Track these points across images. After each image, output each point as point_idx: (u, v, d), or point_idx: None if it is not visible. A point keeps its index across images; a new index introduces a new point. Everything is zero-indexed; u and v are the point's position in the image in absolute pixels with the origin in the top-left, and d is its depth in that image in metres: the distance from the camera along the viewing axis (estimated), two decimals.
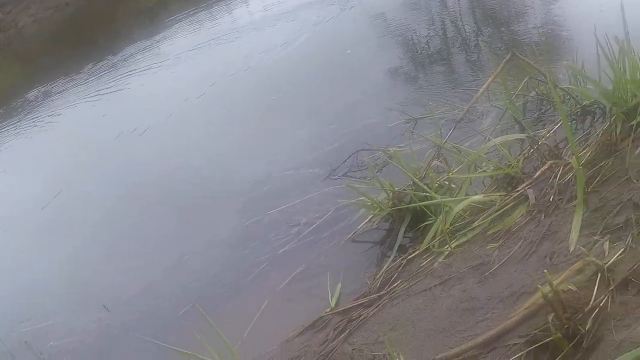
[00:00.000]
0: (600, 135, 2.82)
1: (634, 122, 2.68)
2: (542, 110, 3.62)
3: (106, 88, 8.20)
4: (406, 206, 3.08)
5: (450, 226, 2.86)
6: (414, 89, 5.01)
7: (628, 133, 2.68)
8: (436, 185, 3.11)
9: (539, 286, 1.91)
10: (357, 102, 4.99)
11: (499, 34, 5.57)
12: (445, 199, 2.90)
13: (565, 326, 1.92)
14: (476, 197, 2.86)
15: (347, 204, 3.47)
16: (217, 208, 4.20)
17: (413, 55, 5.77)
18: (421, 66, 5.49)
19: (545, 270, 1.91)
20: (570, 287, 2.02)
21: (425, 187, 2.99)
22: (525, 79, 3.56)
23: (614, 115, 2.78)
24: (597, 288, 2.03)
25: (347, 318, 2.64)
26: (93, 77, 8.99)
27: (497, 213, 2.78)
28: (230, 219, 3.94)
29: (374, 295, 2.73)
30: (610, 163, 2.62)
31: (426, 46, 5.75)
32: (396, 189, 3.17)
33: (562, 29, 4.98)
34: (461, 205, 2.81)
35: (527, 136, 3.07)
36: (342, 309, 2.75)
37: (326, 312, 2.78)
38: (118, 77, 8.45)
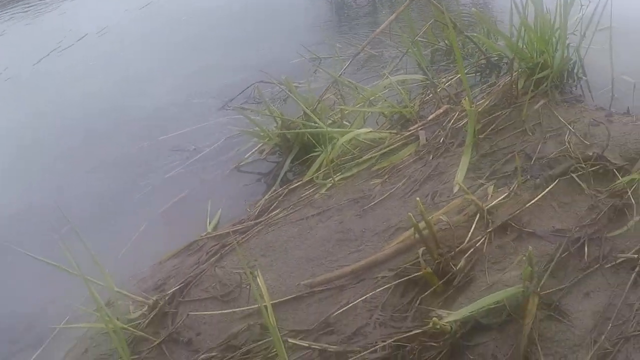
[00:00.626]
0: (501, 86, 2.75)
1: (534, 77, 2.65)
2: (451, 60, 3.52)
3: None
4: (294, 132, 2.86)
5: (337, 159, 2.70)
6: (325, 30, 4.82)
7: (529, 88, 2.63)
8: (330, 121, 2.94)
9: (411, 216, 1.76)
10: (264, 39, 4.80)
11: None
12: (331, 130, 2.72)
13: (437, 262, 1.81)
14: (362, 130, 2.70)
15: (238, 133, 3.33)
16: (108, 133, 3.95)
17: None
18: (337, 7, 5.30)
19: (420, 203, 1.77)
20: (443, 218, 1.91)
21: (313, 116, 2.79)
22: (430, 22, 3.43)
23: (517, 70, 2.71)
24: (475, 229, 1.95)
25: (221, 243, 2.51)
26: None
27: (386, 150, 2.64)
28: (121, 144, 3.74)
29: (251, 222, 2.59)
30: (507, 114, 2.56)
31: None
32: (287, 118, 2.96)
33: None
34: (346, 137, 2.65)
35: (425, 79, 2.93)
36: (217, 233, 2.62)
37: (201, 237, 2.65)
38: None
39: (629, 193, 1.91)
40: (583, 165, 2.11)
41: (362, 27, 4.77)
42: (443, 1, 4.41)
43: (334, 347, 1.73)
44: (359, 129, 2.79)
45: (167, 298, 2.17)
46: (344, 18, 5.15)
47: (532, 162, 2.23)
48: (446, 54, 3.65)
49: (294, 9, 5.48)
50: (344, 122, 2.96)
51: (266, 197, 2.79)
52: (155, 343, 2.01)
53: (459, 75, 2.97)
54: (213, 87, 4.15)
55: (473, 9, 3.13)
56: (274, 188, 2.87)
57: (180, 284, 2.24)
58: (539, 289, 1.60)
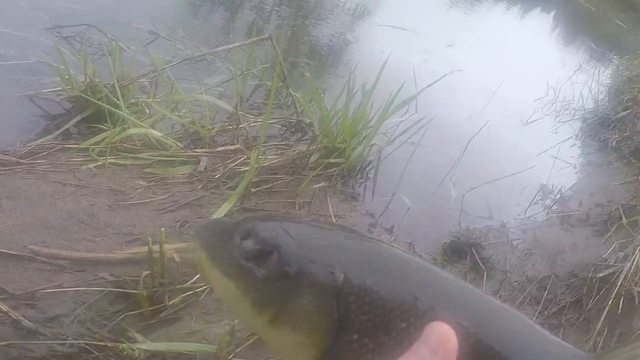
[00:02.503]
0: (295, 152, 2.97)
1: (328, 160, 2.92)
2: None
3: None
4: (93, 100, 2.74)
5: (118, 144, 2.66)
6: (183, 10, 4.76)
7: (319, 167, 2.89)
8: (133, 101, 2.88)
9: (149, 239, 1.85)
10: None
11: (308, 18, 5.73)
12: (126, 116, 2.68)
13: (155, 289, 1.90)
14: (155, 132, 2.71)
15: (49, 62, 3.03)
16: None
17: None
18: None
19: (162, 229, 1.87)
20: (176, 258, 2.01)
21: (119, 92, 2.72)
22: (266, 65, 3.61)
23: (316, 145, 2.96)
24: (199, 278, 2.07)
25: None
26: None
27: (165, 158, 2.68)
28: None
29: (13, 159, 2.43)
30: (287, 181, 2.80)
31: None
32: (96, 80, 2.83)
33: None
34: (137, 130, 2.64)
35: (233, 110, 3.04)
36: None
37: None
38: None
39: None
40: None
41: (215, 29, 4.77)
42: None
43: (29, 322, 1.72)
44: (154, 126, 2.80)
45: None
46: (204, 11, 5.12)
47: None
48: (268, 96, 3.81)
49: None
50: (145, 110, 2.93)
51: (39, 141, 2.63)
52: None
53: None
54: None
55: (307, 73, 3.33)
56: (51, 136, 2.71)
57: None
58: (230, 356, 1.78)
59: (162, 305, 1.90)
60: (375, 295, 0.63)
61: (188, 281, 2.00)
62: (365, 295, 0.63)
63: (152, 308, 1.88)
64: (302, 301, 0.64)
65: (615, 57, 9.04)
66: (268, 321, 0.64)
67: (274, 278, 0.65)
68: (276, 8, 5.69)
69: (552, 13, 14.51)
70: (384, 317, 0.62)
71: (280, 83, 3.18)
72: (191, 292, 1.98)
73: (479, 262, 2.94)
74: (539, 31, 11.49)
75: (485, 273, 2.88)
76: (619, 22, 18.33)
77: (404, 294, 0.64)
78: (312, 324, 0.63)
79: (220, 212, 2.38)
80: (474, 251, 2.99)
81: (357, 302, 0.63)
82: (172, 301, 1.91)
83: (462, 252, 3.00)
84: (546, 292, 2.80)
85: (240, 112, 3.04)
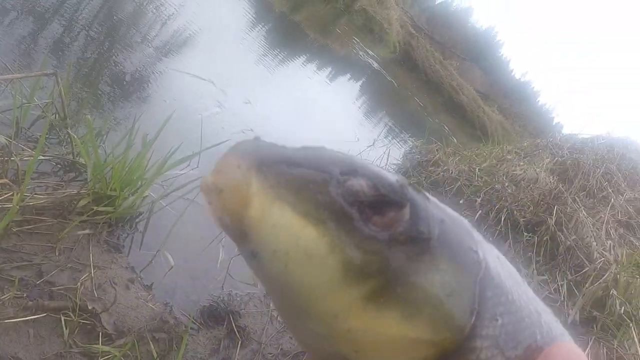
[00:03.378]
0: (64, 195, 2.93)
1: (97, 207, 2.94)
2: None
3: None
4: None
5: None
6: None
7: (87, 212, 2.90)
8: None
9: None
10: None
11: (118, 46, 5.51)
12: None
13: None
14: None
15: None
16: None
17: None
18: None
19: None
20: None
21: None
22: (50, 100, 3.47)
23: (86, 190, 2.96)
24: None
25: None
26: None
27: None
28: None
29: None
30: (51, 224, 2.75)
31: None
32: None
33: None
34: None
35: (7, 140, 2.92)
36: None
37: None
38: None
39: None
40: (71, 314, 2.33)
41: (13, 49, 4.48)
42: None
43: None
44: None
45: None
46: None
47: (37, 283, 2.41)
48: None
49: None
50: None
51: None
52: None
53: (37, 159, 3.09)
54: None
55: (88, 115, 3.31)
56: None
57: None
58: None
59: None
60: (510, 297, 0.54)
61: None
62: (502, 294, 0.53)
63: None
64: (435, 278, 0.49)
65: (410, 138, 9.69)
66: (364, 299, 0.48)
67: (399, 239, 0.50)
68: (79, 37, 5.52)
69: (360, 82, 15.47)
70: (515, 327, 0.53)
71: (60, 121, 3.14)
72: None
73: (235, 330, 3.03)
74: (344, 100, 12.12)
75: (240, 342, 2.98)
76: (420, 102, 20.55)
77: (534, 307, 0.55)
78: (442, 312, 0.49)
79: None
80: (231, 318, 3.08)
81: (493, 300, 0.52)
82: None
83: (219, 317, 3.07)
84: None
85: (14, 143, 2.95)
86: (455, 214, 0.57)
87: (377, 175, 0.52)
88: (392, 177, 0.53)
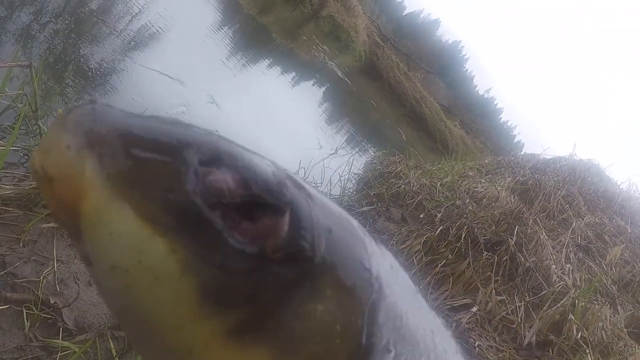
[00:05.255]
0: (30, 186, 2.83)
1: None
2: None
3: None
4: None
5: None
6: None
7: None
8: None
9: None
10: None
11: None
12: None
13: None
14: None
15: None
16: None
17: None
18: None
19: None
20: None
21: None
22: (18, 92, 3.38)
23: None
24: None
25: None
26: None
27: None
28: None
29: None
30: (17, 215, 2.66)
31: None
32: None
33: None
34: None
35: None
36: None
37: None
38: None
39: None
40: (33, 308, 2.27)
41: None
42: None
43: None
44: None
45: None
46: None
47: (0, 274, 2.34)
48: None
49: None
50: None
51: None
52: None
53: None
54: None
55: (59, 109, 3.23)
56: None
57: None
58: None
59: None
60: (404, 320, 0.45)
61: None
62: (395, 317, 0.44)
63: None
64: (317, 309, 0.40)
65: (372, 148, 9.79)
66: (225, 333, 0.38)
67: (273, 257, 0.39)
68: (48, 28, 5.36)
69: (324, 88, 15.61)
70: (409, 356, 0.44)
71: (31, 112, 3.04)
72: None
73: None
74: (306, 105, 12.24)
75: None
76: (383, 112, 20.76)
77: (429, 326, 0.48)
78: (323, 352, 0.40)
79: None
80: None
81: (386, 327, 0.43)
82: None
83: None
84: None
85: None
86: (343, 215, 0.46)
87: (248, 167, 0.40)
88: (268, 169, 0.41)
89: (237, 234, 0.38)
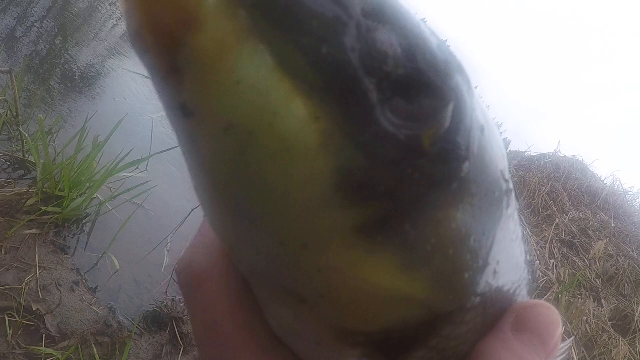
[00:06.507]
0: (12, 193, 2.89)
1: (45, 208, 2.89)
2: None
3: None
4: None
5: None
6: None
7: (35, 212, 2.84)
8: None
9: None
10: None
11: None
12: None
13: None
14: None
15: None
16: None
17: None
18: None
19: None
20: None
21: None
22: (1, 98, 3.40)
23: (35, 190, 2.93)
24: None
25: None
26: None
27: None
28: None
29: None
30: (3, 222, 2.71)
31: None
32: None
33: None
34: None
35: None
36: None
37: None
38: None
39: None
40: (16, 315, 2.30)
41: None
42: None
43: None
44: None
45: None
46: None
47: None
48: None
49: None
50: None
51: None
52: None
53: None
54: None
55: (40, 115, 3.25)
56: None
57: None
58: None
59: None
60: (514, 236, 0.41)
61: None
62: (510, 237, 0.40)
63: None
64: (458, 218, 0.34)
65: None
66: (354, 231, 0.32)
67: (428, 149, 0.32)
68: (31, 33, 5.35)
69: None
70: (504, 280, 0.39)
71: (12, 118, 3.10)
72: None
73: (178, 336, 3.02)
74: None
75: (182, 349, 2.97)
76: None
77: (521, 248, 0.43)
78: (453, 267, 0.35)
79: None
80: (174, 324, 3.06)
81: (502, 245, 0.39)
82: None
83: (162, 323, 3.05)
84: None
85: None
86: (490, 114, 0.39)
87: (417, 33, 0.32)
88: (434, 41, 0.33)
89: (390, 113, 0.31)
